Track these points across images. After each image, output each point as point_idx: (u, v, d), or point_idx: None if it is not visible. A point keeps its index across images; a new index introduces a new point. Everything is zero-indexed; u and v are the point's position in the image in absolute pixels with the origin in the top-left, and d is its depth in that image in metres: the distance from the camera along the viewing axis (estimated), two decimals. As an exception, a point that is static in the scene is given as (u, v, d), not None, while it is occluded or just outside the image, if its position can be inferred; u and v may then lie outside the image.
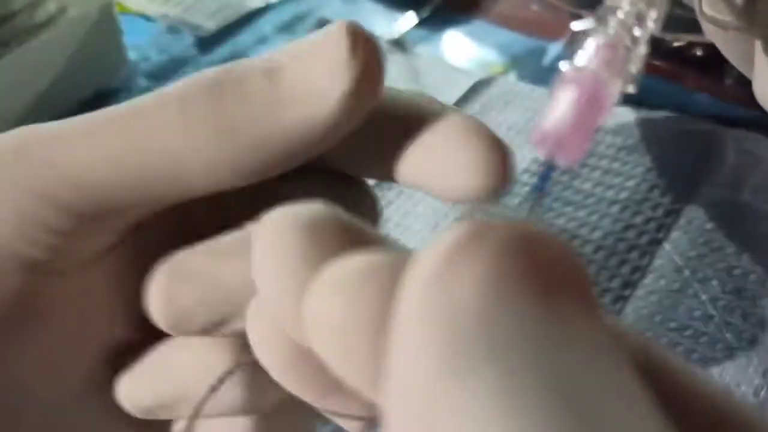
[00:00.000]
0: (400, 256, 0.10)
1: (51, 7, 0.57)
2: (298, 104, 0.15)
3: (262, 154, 0.16)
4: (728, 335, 0.40)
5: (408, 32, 0.61)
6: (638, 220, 0.46)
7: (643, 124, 0.49)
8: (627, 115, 0.51)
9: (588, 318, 0.08)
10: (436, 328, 0.08)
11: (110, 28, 0.59)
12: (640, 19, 0.12)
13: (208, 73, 0.16)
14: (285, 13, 0.65)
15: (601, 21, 0.12)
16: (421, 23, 0.62)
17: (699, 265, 0.43)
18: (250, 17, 0.64)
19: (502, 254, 0.08)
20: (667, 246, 0.44)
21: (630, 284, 0.42)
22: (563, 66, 0.12)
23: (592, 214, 0.46)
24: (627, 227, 0.45)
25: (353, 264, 0.10)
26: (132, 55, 0.61)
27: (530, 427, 0.06)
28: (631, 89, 0.13)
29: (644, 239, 0.45)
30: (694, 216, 0.45)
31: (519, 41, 0.59)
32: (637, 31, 0.12)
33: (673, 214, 0.45)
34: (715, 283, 0.42)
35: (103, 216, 0.16)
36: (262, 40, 0.63)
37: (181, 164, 0.16)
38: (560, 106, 0.11)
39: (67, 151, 0.16)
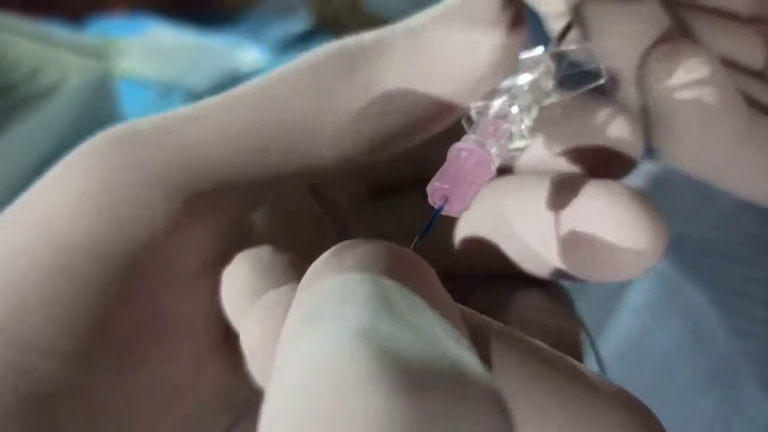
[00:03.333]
0: None
1: (52, 75, 0.61)
2: (446, 59, 0.15)
3: (406, 116, 0.15)
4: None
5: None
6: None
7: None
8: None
9: (416, 291, 0.11)
10: (302, 301, 0.12)
11: (109, 94, 0.62)
12: (519, 101, 0.15)
13: (339, 42, 0.16)
14: (273, 75, 0.68)
15: (489, 101, 0.15)
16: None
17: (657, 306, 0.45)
18: (239, 79, 0.68)
19: (358, 257, 0.12)
20: (630, 286, 0.46)
21: (597, 326, 0.45)
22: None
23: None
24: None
25: (259, 305, 0.14)
26: (128, 116, 0.64)
27: (341, 340, 0.10)
28: (518, 153, 0.16)
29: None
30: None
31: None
32: (515, 110, 0.15)
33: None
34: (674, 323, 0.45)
35: (214, 199, 0.16)
36: (252, 101, 0.66)
37: (312, 131, 0.15)
38: (451, 166, 0.14)
39: (178, 134, 0.15)
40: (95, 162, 0.15)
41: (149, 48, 0.70)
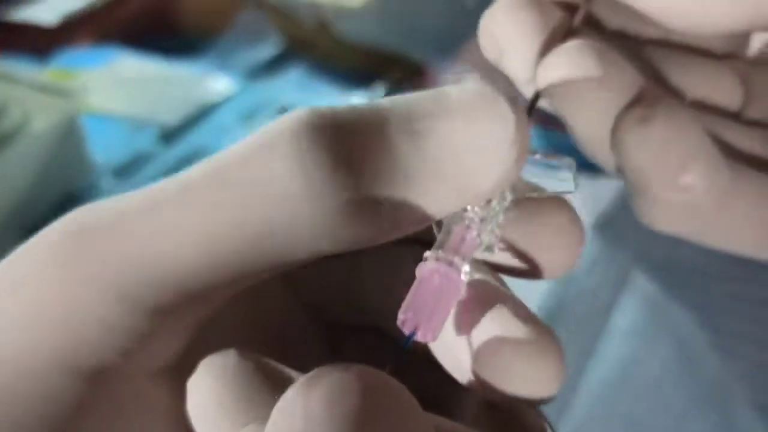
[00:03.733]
0: None
1: (15, 116, 0.59)
2: (447, 178, 0.14)
3: (394, 224, 0.14)
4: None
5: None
6: (590, 285, 0.48)
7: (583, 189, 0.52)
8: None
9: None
10: None
11: (75, 135, 0.61)
12: (488, 215, 0.15)
13: (323, 112, 0.14)
14: (244, 104, 0.67)
15: (457, 216, 0.15)
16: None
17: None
18: (210, 109, 0.67)
19: (326, 400, 0.11)
20: (616, 310, 0.46)
21: (585, 352, 0.44)
22: (427, 253, 0.14)
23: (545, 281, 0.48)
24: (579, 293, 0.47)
25: None
26: (97, 155, 0.63)
27: None
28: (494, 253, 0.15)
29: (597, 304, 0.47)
30: (640, 278, 0.47)
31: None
32: (485, 225, 0.14)
33: (620, 278, 0.47)
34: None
35: (179, 307, 0.14)
36: (224, 131, 0.65)
37: (286, 238, 0.14)
38: (420, 293, 0.13)
39: (141, 239, 0.14)
40: (51, 271, 0.14)
41: (116, 79, 0.68)
